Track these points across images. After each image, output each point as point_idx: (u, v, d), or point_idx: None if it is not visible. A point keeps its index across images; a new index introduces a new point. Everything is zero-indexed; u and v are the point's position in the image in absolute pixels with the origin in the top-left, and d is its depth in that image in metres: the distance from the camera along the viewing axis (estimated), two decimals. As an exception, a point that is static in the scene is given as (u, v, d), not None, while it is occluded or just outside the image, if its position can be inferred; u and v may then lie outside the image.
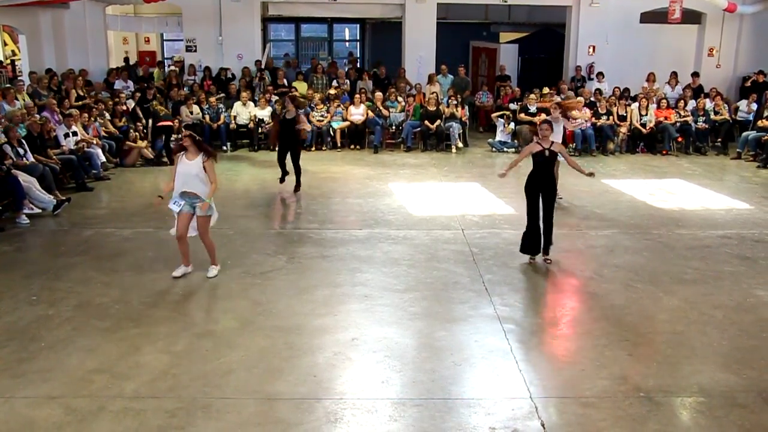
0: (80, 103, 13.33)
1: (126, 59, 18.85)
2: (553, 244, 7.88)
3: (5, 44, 18.69)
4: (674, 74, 16.47)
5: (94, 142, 11.81)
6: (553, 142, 7.74)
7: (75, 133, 11.49)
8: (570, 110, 10.91)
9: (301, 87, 15.60)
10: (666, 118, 14.48)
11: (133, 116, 13.68)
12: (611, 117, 14.47)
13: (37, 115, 11.33)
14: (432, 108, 14.30)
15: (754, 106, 15.21)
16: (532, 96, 14.85)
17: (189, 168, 6.93)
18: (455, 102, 14.71)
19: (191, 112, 14.08)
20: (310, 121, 14.35)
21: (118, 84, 15.30)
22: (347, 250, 8.11)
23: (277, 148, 11.25)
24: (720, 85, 16.58)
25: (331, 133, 14.50)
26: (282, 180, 10.95)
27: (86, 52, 16.19)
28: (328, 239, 8.53)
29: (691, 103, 15.09)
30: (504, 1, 17.45)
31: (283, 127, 10.79)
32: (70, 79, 14.19)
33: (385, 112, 14.72)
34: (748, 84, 16.63)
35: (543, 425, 4.65)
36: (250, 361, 5.47)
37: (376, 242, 8.41)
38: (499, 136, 14.70)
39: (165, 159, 12.89)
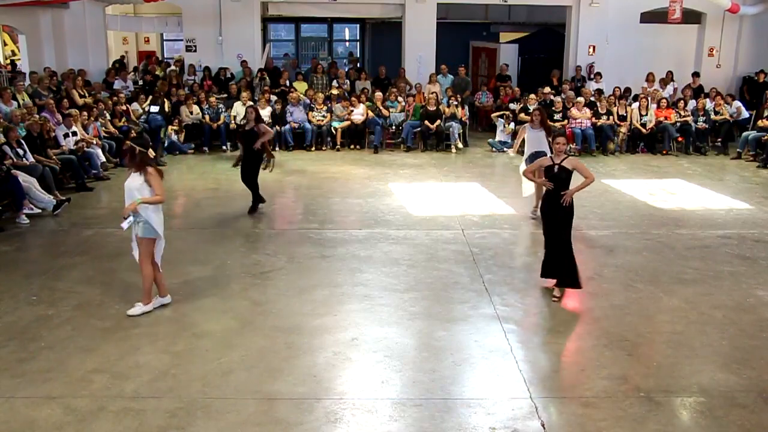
0: (82, 101, 13.33)
1: (121, 59, 18.81)
2: (573, 285, 6.70)
3: (5, 44, 18.69)
4: (669, 73, 16.50)
5: (94, 142, 11.81)
6: (566, 157, 6.66)
7: (75, 133, 11.49)
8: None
9: (301, 87, 15.61)
10: (666, 118, 14.48)
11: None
12: (611, 117, 14.47)
13: (37, 115, 11.34)
14: (432, 108, 14.30)
15: (737, 104, 15.19)
16: (533, 96, 14.85)
17: (131, 182, 6.09)
18: (455, 102, 14.71)
19: (191, 112, 14.10)
20: (309, 121, 14.39)
21: (117, 84, 15.30)
22: (347, 250, 8.11)
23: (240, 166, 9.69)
24: (720, 85, 16.59)
25: (333, 132, 14.50)
26: (254, 208, 9.70)
27: (86, 52, 16.20)
28: (328, 239, 8.53)
29: (691, 103, 15.08)
30: (504, 1, 17.45)
31: (245, 140, 9.59)
32: (70, 79, 14.19)
33: (385, 112, 14.72)
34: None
35: (543, 425, 4.65)
36: (250, 361, 5.47)
37: (376, 242, 8.41)
38: (499, 136, 14.70)
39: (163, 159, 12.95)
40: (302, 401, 4.90)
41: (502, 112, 15.04)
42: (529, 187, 9.32)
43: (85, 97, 13.79)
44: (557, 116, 14.32)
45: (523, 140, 9.58)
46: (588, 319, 6.42)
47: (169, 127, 13.75)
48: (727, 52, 17.71)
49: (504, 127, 14.59)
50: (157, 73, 17.23)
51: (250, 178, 9.61)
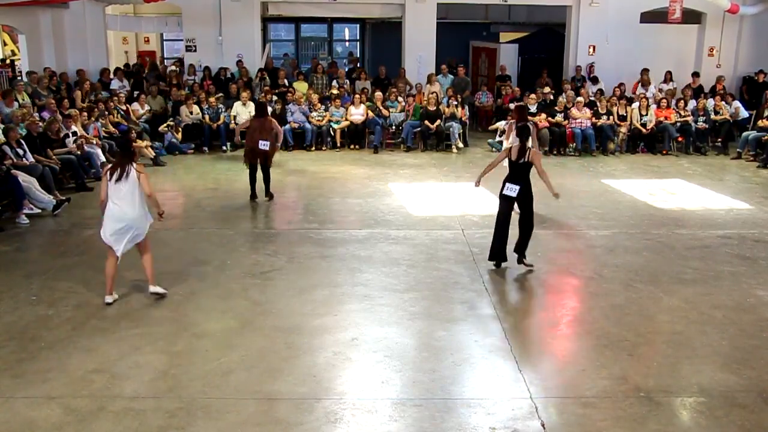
0: (84, 105, 13.31)
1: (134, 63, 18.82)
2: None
3: (5, 44, 18.68)
4: (668, 73, 16.53)
5: (94, 142, 11.80)
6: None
7: (75, 134, 11.48)
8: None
9: (301, 87, 15.60)
10: (666, 118, 14.47)
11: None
12: (611, 117, 14.46)
13: (37, 115, 11.33)
14: (432, 108, 14.30)
15: (736, 103, 15.18)
16: (533, 96, 14.85)
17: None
18: (455, 102, 14.71)
19: (191, 112, 14.10)
20: (309, 121, 14.38)
21: (114, 84, 15.30)
22: (347, 250, 8.11)
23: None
24: (720, 85, 16.56)
25: (332, 133, 14.50)
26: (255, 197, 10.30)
27: (86, 52, 16.18)
28: (328, 239, 8.53)
29: (691, 103, 15.08)
30: (504, 1, 17.45)
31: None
32: (78, 82, 14.25)
33: (385, 112, 14.71)
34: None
35: (543, 425, 4.65)
36: (250, 361, 5.47)
37: (376, 242, 8.41)
38: (499, 136, 14.69)
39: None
40: (302, 401, 4.90)
41: (497, 126, 14.97)
42: None
43: (86, 101, 13.78)
44: (558, 116, 14.32)
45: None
46: (588, 319, 6.42)
47: (163, 125, 13.74)
48: (727, 52, 17.68)
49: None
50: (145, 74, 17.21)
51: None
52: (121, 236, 6.46)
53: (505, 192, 7.36)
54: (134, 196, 6.38)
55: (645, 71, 16.29)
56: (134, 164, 6.47)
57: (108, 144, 12.33)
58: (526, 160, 7.28)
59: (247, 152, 10.26)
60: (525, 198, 7.37)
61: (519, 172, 7.33)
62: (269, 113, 10.82)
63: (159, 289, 6.67)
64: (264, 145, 9.99)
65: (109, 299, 6.55)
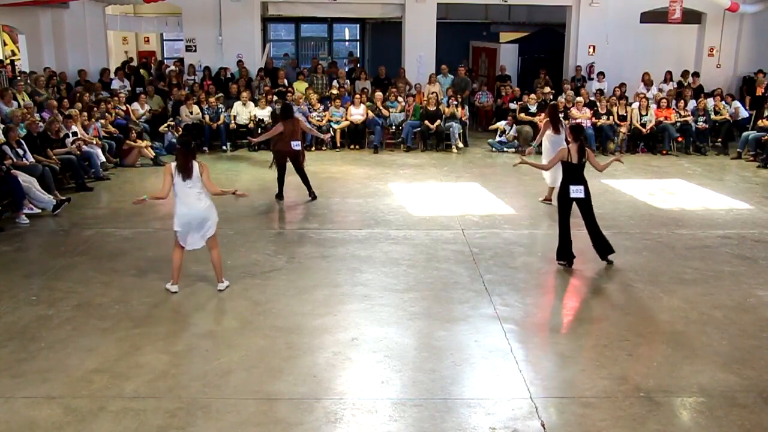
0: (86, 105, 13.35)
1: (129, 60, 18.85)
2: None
3: (5, 44, 18.70)
4: (668, 73, 16.55)
5: (94, 142, 11.80)
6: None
7: (75, 134, 11.49)
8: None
9: (301, 87, 15.60)
10: (666, 118, 14.47)
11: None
12: (611, 117, 14.46)
13: (37, 115, 11.32)
14: (432, 108, 14.30)
15: (736, 104, 15.18)
16: (533, 96, 14.85)
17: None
18: (455, 102, 14.71)
19: (191, 112, 14.10)
20: (309, 122, 14.37)
21: (115, 83, 15.30)
22: (347, 250, 8.11)
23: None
24: (720, 85, 16.58)
25: (332, 133, 14.49)
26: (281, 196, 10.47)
27: (86, 52, 16.20)
28: (328, 239, 8.53)
29: (692, 103, 15.08)
30: (504, 1, 17.46)
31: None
32: (82, 87, 14.28)
33: (385, 112, 14.71)
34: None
35: (543, 425, 4.65)
36: (250, 361, 5.47)
37: (376, 242, 8.41)
38: (499, 137, 14.70)
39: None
40: (302, 401, 4.90)
41: (497, 126, 14.98)
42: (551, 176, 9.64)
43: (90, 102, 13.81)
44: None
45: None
46: (588, 319, 6.42)
47: (163, 125, 13.75)
48: (727, 52, 17.70)
49: (505, 135, 14.55)
50: (142, 74, 17.21)
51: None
52: (190, 231, 6.70)
53: (572, 195, 7.52)
54: (200, 190, 6.64)
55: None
56: (196, 161, 6.71)
57: (108, 144, 12.34)
58: (586, 159, 7.52)
59: (280, 154, 10.31)
60: (587, 197, 7.60)
61: (579, 173, 7.53)
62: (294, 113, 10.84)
63: (225, 285, 6.88)
64: (297, 145, 10.20)
65: (173, 288, 6.78)
